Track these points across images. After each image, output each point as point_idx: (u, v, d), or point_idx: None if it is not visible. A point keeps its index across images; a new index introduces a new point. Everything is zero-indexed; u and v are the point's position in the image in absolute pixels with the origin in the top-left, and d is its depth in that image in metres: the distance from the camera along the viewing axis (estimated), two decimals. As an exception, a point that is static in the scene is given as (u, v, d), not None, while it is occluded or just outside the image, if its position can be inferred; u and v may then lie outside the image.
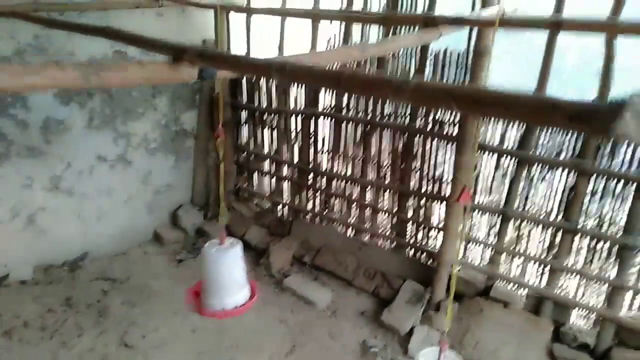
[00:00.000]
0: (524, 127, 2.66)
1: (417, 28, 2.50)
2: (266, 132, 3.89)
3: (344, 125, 3.38)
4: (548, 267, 2.72)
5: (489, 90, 0.67)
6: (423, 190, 3.09)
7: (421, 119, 3.01)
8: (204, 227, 3.96)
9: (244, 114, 4.00)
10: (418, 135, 3.04)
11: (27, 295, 3.07)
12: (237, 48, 3.79)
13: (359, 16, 2.66)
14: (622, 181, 2.38)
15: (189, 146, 3.98)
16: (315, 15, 2.92)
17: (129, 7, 3.07)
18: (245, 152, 4.07)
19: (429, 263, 3.15)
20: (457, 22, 1.92)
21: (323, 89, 3.43)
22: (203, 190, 4.13)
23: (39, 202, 3.25)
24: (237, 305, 2.29)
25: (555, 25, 1.72)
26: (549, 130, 2.60)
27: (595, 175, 2.46)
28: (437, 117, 2.96)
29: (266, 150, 3.92)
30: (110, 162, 3.49)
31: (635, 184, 2.33)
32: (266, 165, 3.99)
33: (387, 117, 3.16)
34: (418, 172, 3.11)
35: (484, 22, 1.90)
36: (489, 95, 0.66)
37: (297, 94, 3.58)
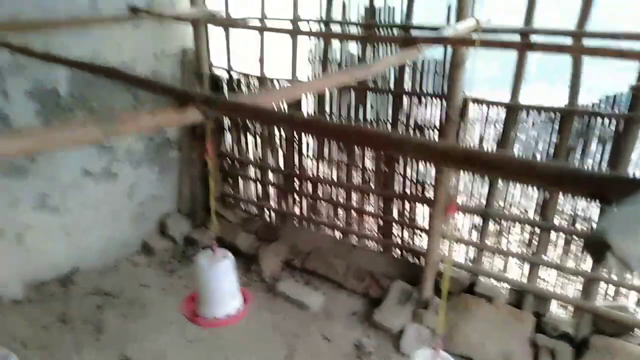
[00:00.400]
0: (502, 126, 2.79)
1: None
2: (250, 138, 3.94)
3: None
4: (528, 263, 2.89)
5: (483, 152, 0.77)
6: (407, 193, 3.22)
7: (402, 125, 3.12)
8: (193, 235, 4.00)
9: (227, 121, 4.03)
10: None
11: (21, 315, 3.07)
12: (218, 58, 3.82)
13: (338, 34, 2.74)
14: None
15: (173, 156, 3.99)
16: (295, 32, 2.98)
17: (108, 23, 3.06)
18: (230, 159, 4.11)
19: (416, 262, 3.29)
20: (436, 41, 2.02)
21: (304, 96, 3.50)
22: (189, 199, 4.16)
23: (26, 221, 3.23)
24: (230, 315, 2.38)
25: (527, 47, 1.84)
26: (524, 130, 2.75)
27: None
28: (417, 122, 3.08)
29: (251, 156, 3.98)
30: (96, 176, 3.49)
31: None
32: (251, 171, 4.05)
33: (369, 123, 3.26)
34: (402, 176, 3.23)
35: (462, 42, 2.00)
36: (483, 157, 0.76)
37: (280, 103, 3.63)
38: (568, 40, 2.38)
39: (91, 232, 3.57)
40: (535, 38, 2.53)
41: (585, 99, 2.50)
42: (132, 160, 3.69)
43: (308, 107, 3.53)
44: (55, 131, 0.95)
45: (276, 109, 1.03)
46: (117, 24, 3.22)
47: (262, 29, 3.14)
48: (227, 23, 3.33)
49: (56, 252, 3.42)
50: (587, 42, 2.35)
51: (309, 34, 2.77)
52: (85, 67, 1.55)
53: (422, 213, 3.25)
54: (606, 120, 2.47)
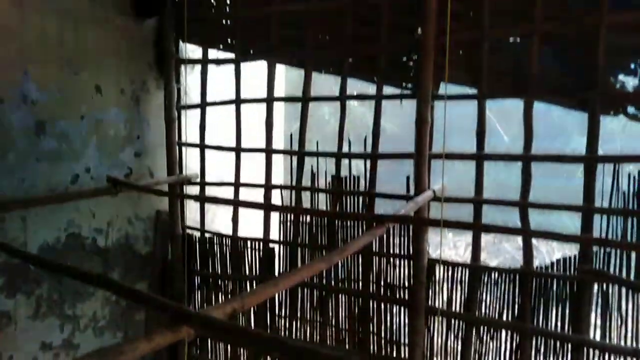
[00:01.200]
0: (467, 290, 2.94)
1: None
2: (221, 298, 3.90)
3: (299, 290, 3.51)
4: None
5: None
6: (383, 353, 3.19)
7: (373, 284, 3.23)
8: (155, 408, 3.68)
9: (197, 280, 4.02)
10: (372, 300, 3.23)
11: None
12: (191, 218, 3.96)
13: (308, 209, 2.97)
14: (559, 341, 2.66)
15: (140, 319, 3.86)
16: (267, 207, 3.21)
17: (88, 196, 3.18)
18: (199, 318, 4.00)
19: None
20: (402, 220, 2.24)
21: (277, 255, 3.61)
22: (153, 364, 3.92)
23: (-31, 408, 2.92)
24: None
25: (482, 228, 2.07)
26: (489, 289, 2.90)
27: (535, 335, 2.73)
28: (388, 281, 3.19)
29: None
30: (55, 350, 3.28)
31: (570, 344, 2.62)
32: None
33: (340, 283, 3.35)
34: (376, 336, 3.23)
35: (427, 222, 2.23)
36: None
37: (252, 260, 3.71)
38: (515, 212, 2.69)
39: (42, 414, 3.24)
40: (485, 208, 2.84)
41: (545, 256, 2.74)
42: (96, 327, 3.53)
43: (280, 265, 3.61)
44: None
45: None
46: (96, 197, 3.35)
47: (235, 204, 3.36)
48: (201, 198, 3.55)
49: None
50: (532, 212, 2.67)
51: (281, 209, 2.99)
52: (78, 275, 1.60)
53: (399, 375, 3.19)
54: (561, 282, 2.67)
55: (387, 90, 3.15)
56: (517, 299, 2.79)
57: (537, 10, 2.58)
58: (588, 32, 2.49)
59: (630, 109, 2.42)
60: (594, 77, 2.43)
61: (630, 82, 2.42)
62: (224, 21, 3.67)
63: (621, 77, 2.45)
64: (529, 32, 2.64)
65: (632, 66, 2.43)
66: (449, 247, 6.47)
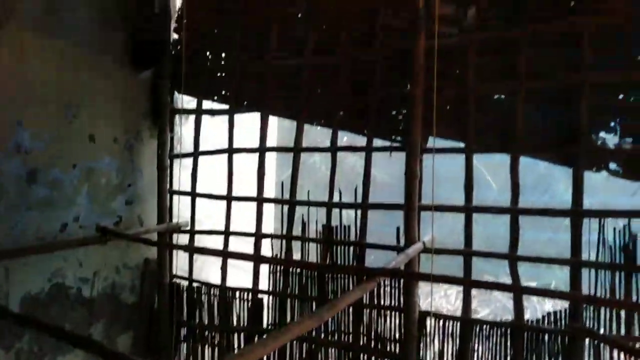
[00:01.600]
0: (458, 343, 2.90)
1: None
2: (207, 350, 3.79)
3: (288, 343, 3.43)
4: None
5: None
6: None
7: (364, 336, 3.17)
8: None
9: (183, 331, 3.91)
10: (362, 353, 3.16)
11: None
12: (180, 266, 3.90)
13: (299, 261, 2.97)
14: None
15: (123, 372, 3.71)
16: (257, 258, 3.20)
17: (75, 246, 3.14)
18: (183, 372, 3.87)
19: None
20: (393, 274, 2.24)
21: (266, 306, 3.55)
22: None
23: None
24: None
25: (472, 283, 2.08)
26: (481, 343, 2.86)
27: (529, 392, 2.68)
28: (379, 333, 3.14)
29: (208, 374, 3.77)
30: (33, 407, 3.14)
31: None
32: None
33: (330, 335, 3.28)
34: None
35: (418, 276, 2.23)
36: None
37: (240, 311, 3.64)
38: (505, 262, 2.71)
39: None
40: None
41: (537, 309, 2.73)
42: (77, 381, 3.40)
43: (269, 317, 3.55)
44: None
45: None
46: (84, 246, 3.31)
47: (224, 255, 3.34)
48: (190, 248, 3.53)
49: None
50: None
51: (271, 261, 2.98)
52: (58, 333, 1.57)
53: None
54: (552, 336, 2.65)
55: (377, 142, 3.22)
56: (509, 352, 2.76)
57: (520, 69, 2.70)
58: (571, 90, 2.60)
59: (612, 165, 2.50)
60: (577, 134, 2.53)
61: (611, 140, 2.51)
62: (218, 73, 3.77)
63: (602, 134, 2.54)
64: (514, 89, 2.75)
65: (612, 124, 2.53)
66: (440, 295, 6.41)
